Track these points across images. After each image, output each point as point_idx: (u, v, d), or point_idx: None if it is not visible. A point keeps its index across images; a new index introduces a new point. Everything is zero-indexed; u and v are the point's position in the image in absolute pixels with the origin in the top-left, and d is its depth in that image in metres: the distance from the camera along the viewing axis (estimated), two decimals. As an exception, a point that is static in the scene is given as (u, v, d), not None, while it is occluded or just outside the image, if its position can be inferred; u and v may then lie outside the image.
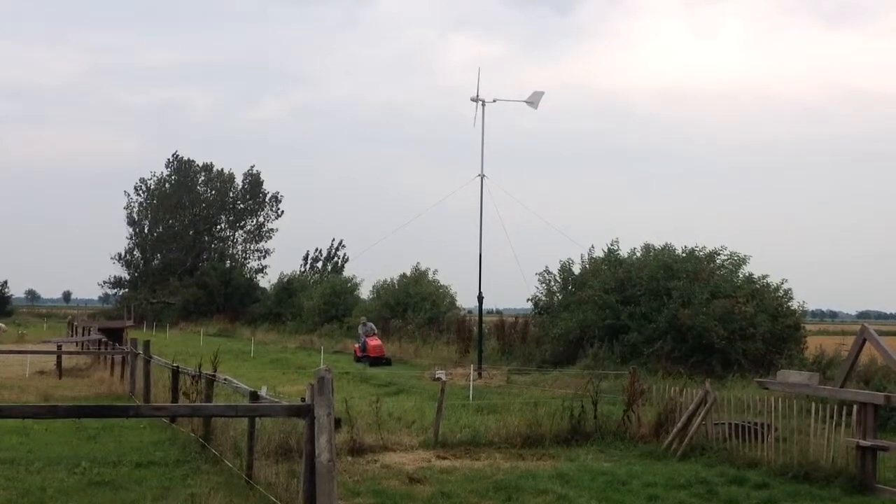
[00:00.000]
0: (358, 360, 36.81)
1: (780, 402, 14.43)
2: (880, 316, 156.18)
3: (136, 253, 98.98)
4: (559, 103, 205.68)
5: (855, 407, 13.04)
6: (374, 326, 39.36)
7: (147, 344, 21.31)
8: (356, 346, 38.31)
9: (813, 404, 13.87)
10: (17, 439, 14.93)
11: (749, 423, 14.79)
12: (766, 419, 14.55)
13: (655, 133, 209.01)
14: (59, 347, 30.71)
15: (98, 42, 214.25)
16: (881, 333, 14.41)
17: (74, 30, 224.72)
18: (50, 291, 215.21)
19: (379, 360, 35.58)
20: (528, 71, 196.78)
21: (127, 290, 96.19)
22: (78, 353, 33.24)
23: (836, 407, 13.55)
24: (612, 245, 34.81)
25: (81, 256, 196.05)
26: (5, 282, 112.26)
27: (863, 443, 12.60)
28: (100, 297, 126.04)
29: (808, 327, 33.72)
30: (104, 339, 33.06)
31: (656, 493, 11.93)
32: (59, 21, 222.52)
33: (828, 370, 23.06)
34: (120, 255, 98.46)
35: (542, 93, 34.58)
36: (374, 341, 36.77)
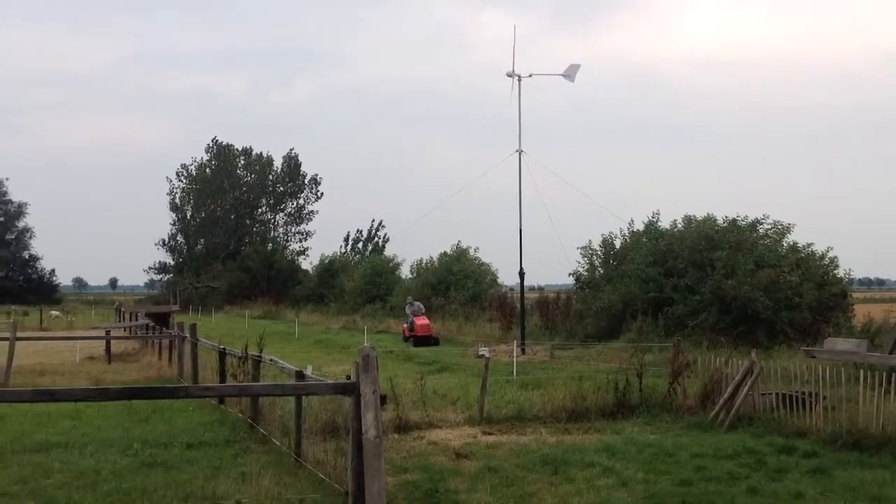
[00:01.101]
0: (406, 339, 36.45)
1: (828, 370, 14.29)
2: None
3: (180, 238, 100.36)
4: (594, 76, 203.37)
5: (905, 373, 12.88)
6: (421, 305, 38.71)
7: (193, 327, 21.57)
8: (404, 325, 37.87)
9: (861, 372, 13.71)
10: (70, 423, 15.21)
11: (797, 392, 14.65)
12: (813, 388, 14.41)
13: (692, 103, 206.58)
14: (108, 333, 31.22)
15: (132, 28, 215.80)
16: (930, 299, 14.21)
17: (110, 17, 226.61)
18: (97, 279, 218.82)
19: (427, 340, 35.02)
20: (561, 45, 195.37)
21: (172, 275, 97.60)
22: (126, 338, 33.75)
23: (885, 374, 13.39)
24: (652, 217, 34.61)
25: (127, 243, 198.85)
26: (53, 270, 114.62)
27: (913, 409, 12.44)
28: (145, 283, 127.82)
29: (855, 295, 33.33)
30: (151, 324, 33.52)
31: (704, 464, 11.88)
32: (94, 8, 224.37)
33: (876, 338, 22.77)
34: (164, 240, 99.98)
35: (579, 66, 34.26)
36: (421, 320, 36.16)
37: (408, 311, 38.05)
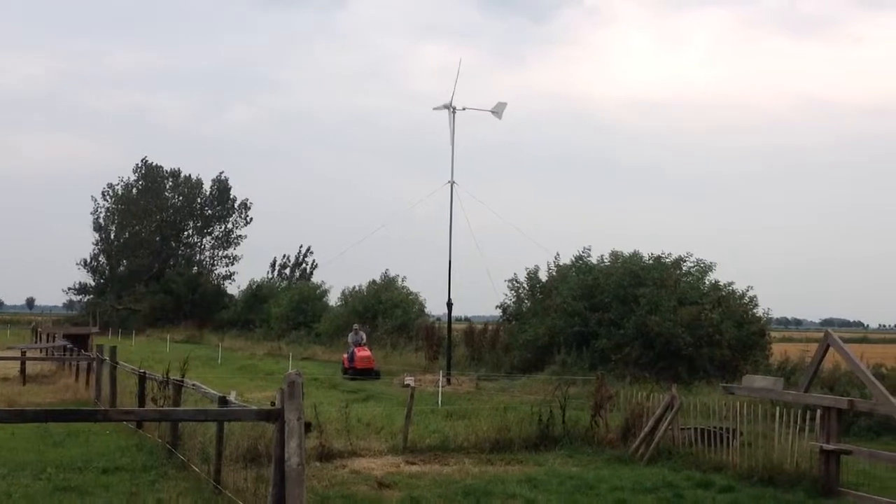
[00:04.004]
0: (345, 371, 33.62)
1: (746, 407, 14.60)
2: (843, 324, 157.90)
3: (102, 259, 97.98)
4: (530, 111, 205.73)
5: (819, 411, 13.21)
6: (364, 336, 35.76)
7: (113, 350, 21.14)
8: (344, 356, 34.63)
9: (777, 409, 14.04)
10: (-19, 445, 14.76)
11: (715, 427, 14.94)
12: (731, 424, 14.71)
13: (625, 142, 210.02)
14: (23, 354, 30.37)
15: (65, 46, 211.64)
16: (844, 341, 14.61)
17: (42, 34, 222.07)
18: (13, 298, 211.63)
19: (368, 373, 32.59)
20: (502, 79, 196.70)
21: (92, 296, 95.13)
22: (42, 359, 32.85)
23: (800, 412, 13.74)
24: (583, 252, 35.07)
25: (45, 262, 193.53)
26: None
27: (826, 447, 12.77)
28: (64, 304, 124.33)
29: (772, 334, 34.19)
30: (69, 346, 32.69)
31: (624, 497, 12.03)
32: (26, 25, 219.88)
33: (792, 376, 23.34)
34: (85, 261, 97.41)
35: (506, 104, 35.21)
36: (362, 352, 33.65)
37: (350, 339, 35.13)
